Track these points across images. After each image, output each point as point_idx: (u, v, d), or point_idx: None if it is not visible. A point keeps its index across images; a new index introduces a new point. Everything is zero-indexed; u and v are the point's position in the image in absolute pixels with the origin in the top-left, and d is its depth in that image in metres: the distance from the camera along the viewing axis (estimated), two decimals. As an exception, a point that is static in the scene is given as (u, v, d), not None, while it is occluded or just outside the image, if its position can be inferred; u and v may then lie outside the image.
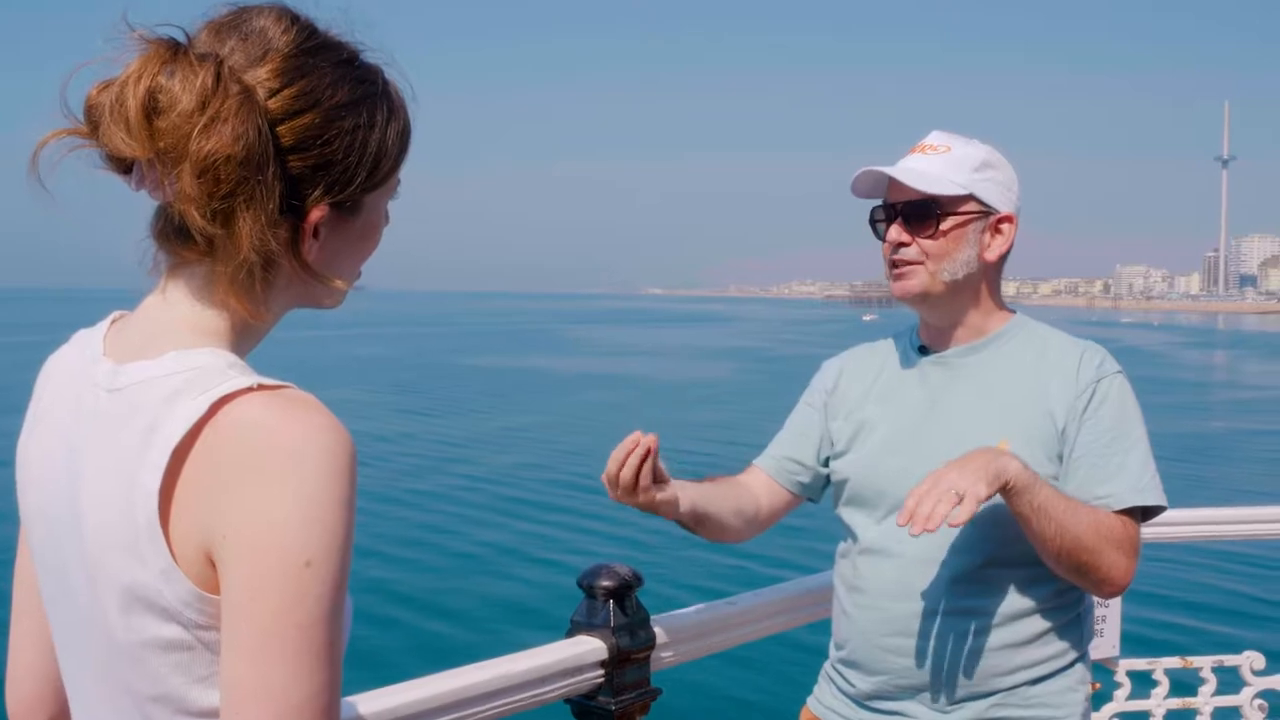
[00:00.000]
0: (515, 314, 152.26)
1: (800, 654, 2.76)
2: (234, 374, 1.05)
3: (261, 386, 1.04)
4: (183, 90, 1.03)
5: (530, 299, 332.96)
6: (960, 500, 1.83)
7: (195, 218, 1.04)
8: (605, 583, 2.18)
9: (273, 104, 1.07)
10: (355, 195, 1.14)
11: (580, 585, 2.20)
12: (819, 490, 2.40)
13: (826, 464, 2.36)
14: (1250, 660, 3.48)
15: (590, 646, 2.14)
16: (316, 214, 1.11)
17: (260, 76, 1.08)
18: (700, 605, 2.43)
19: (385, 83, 1.18)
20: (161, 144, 1.03)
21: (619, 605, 2.18)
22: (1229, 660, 3.49)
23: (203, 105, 1.03)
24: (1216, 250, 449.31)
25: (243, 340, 1.15)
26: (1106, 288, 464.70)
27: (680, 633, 2.31)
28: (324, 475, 1.00)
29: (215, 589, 1.01)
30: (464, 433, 24.14)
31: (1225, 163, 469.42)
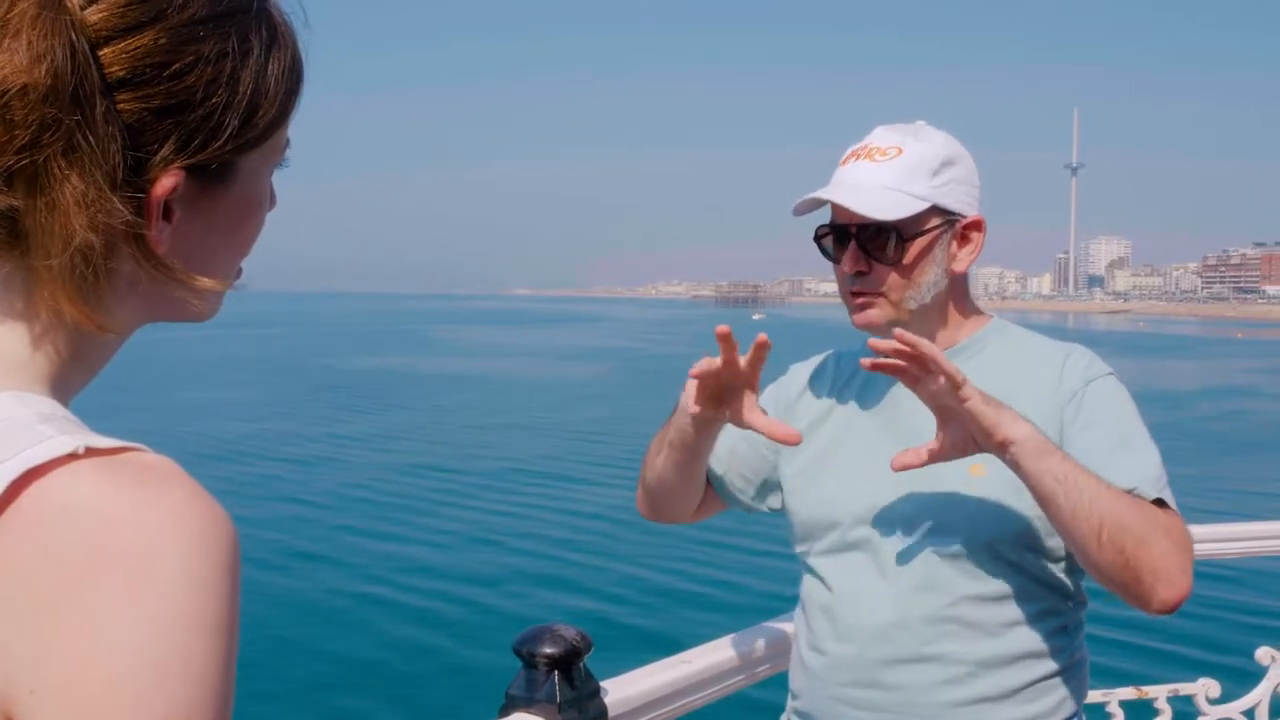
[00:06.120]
0: (381, 316, 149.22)
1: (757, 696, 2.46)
2: (49, 431, 0.68)
3: (91, 451, 0.67)
4: None
5: (393, 300, 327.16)
6: (951, 377, 1.64)
7: None
8: (548, 650, 1.83)
9: (92, 14, 0.71)
10: (224, 155, 0.78)
11: (518, 652, 1.85)
12: (750, 507, 2.14)
13: (768, 486, 2.10)
14: (1206, 688, 3.29)
15: (533, 728, 1.79)
16: (168, 182, 0.75)
17: None
18: (653, 665, 2.10)
19: None
20: None
21: (565, 676, 1.83)
22: (1184, 689, 3.30)
23: None
24: (1067, 252, 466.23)
25: (68, 374, 0.77)
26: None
27: (635, 702, 1.98)
28: (190, 588, 0.65)
29: None
30: (337, 447, 23.05)
31: (1074, 170, 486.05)
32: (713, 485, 2.12)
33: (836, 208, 1.90)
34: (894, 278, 1.87)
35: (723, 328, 1.71)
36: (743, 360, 1.75)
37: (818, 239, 1.95)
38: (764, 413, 1.81)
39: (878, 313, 1.89)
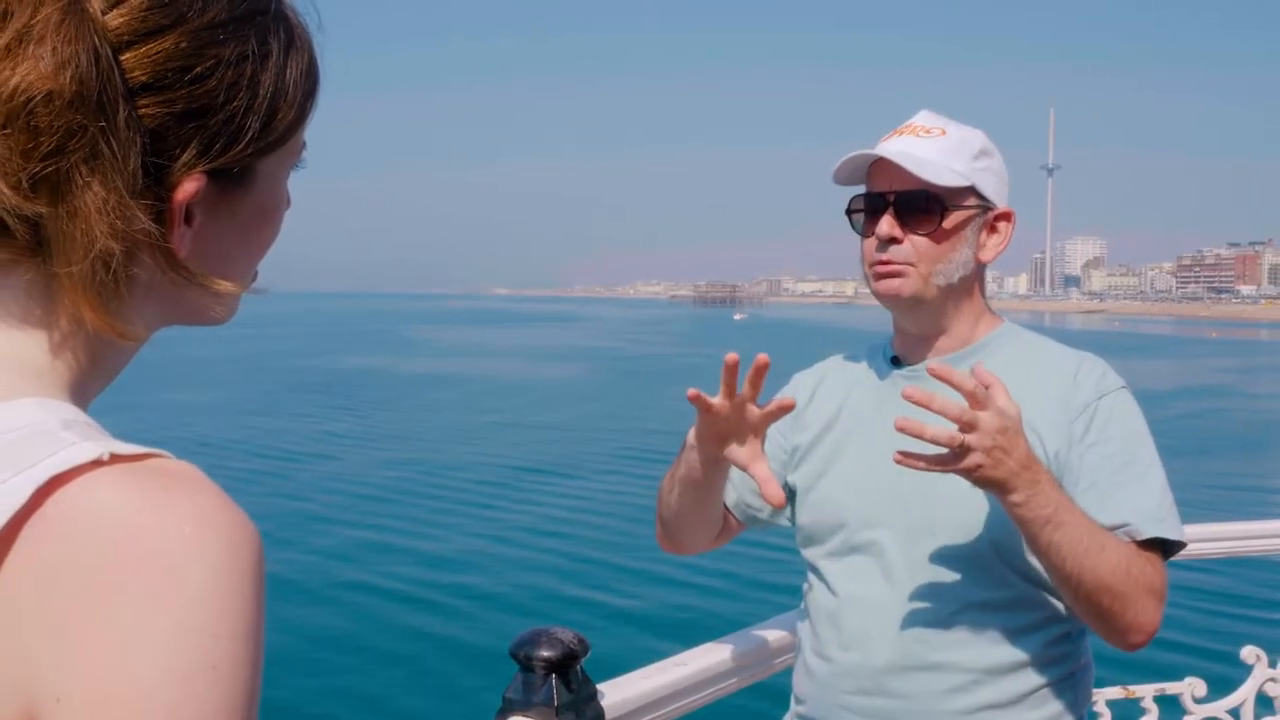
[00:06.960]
0: (360, 315, 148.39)
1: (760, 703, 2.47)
2: (72, 438, 0.67)
3: (115, 458, 0.66)
4: None
5: (372, 299, 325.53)
6: (954, 448, 1.60)
7: (3, 191, 0.68)
8: (545, 653, 1.82)
9: (114, 19, 0.71)
10: (244, 159, 0.78)
11: (514, 656, 1.84)
12: (770, 523, 2.12)
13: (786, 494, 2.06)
14: (1192, 687, 3.31)
15: (531, 731, 1.78)
16: (190, 186, 0.75)
17: None
18: (649, 668, 2.10)
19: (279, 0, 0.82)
20: None
21: (562, 679, 1.82)
22: (1171, 689, 3.31)
23: (3, 17, 0.68)
24: (1043, 252, 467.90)
25: (86, 380, 0.77)
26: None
27: (632, 705, 1.97)
28: (217, 595, 0.64)
29: None
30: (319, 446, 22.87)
31: (1050, 171, 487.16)
32: (730, 511, 2.11)
33: (875, 177, 1.91)
34: (927, 247, 1.86)
35: (732, 356, 1.69)
36: (744, 387, 1.73)
37: (849, 213, 1.95)
38: (767, 462, 1.80)
39: (904, 283, 1.88)
